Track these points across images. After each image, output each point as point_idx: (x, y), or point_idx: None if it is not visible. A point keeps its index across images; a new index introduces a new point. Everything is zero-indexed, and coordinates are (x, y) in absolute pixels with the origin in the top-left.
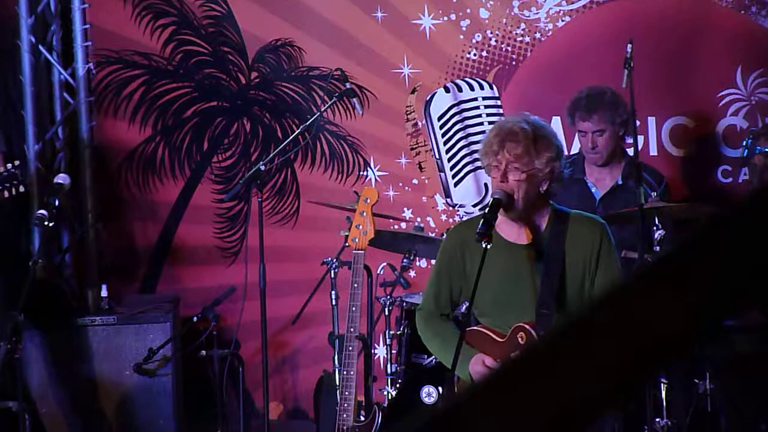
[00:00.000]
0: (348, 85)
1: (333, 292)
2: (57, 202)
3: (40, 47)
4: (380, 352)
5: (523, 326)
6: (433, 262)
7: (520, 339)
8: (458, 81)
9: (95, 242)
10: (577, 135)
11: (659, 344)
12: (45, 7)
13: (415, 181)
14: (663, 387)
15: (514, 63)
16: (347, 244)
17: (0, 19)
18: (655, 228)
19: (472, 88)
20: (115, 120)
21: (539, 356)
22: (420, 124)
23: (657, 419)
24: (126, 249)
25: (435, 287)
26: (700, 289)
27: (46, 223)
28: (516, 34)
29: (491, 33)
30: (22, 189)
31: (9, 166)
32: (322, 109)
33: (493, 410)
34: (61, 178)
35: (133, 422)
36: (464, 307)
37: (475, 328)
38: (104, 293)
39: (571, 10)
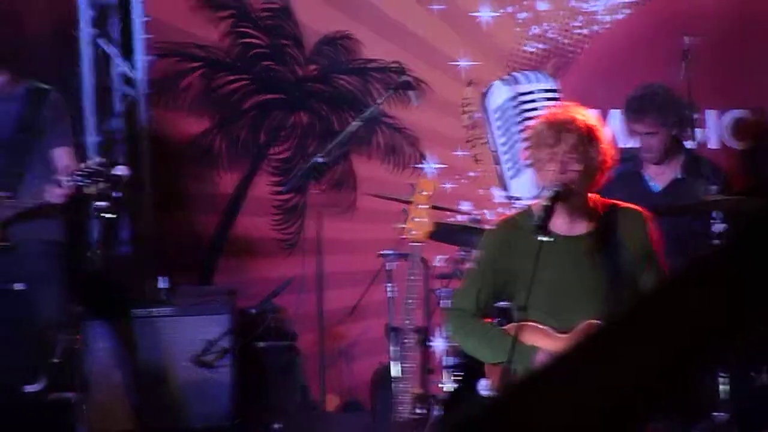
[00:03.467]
0: (405, 78)
1: (389, 285)
2: (116, 194)
3: (100, 40)
4: (437, 344)
5: (593, 324)
6: None
7: None
8: (516, 73)
9: (154, 234)
10: None
11: (709, 335)
12: None
13: (471, 174)
14: (721, 381)
15: (571, 55)
16: (404, 237)
17: (60, 11)
18: (714, 221)
19: (529, 81)
20: (174, 112)
21: (597, 348)
22: (477, 116)
23: (716, 413)
24: (184, 241)
25: (475, 286)
26: (748, 282)
27: (105, 214)
28: (574, 26)
29: (549, 25)
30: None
31: (95, 161)
32: (379, 102)
33: (549, 400)
34: (120, 170)
35: (190, 414)
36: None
37: (527, 323)
38: (163, 285)
39: (630, 2)
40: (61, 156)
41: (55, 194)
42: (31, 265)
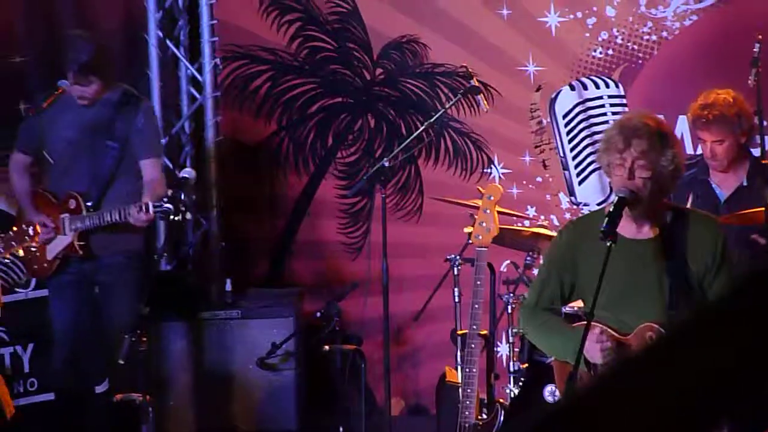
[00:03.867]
0: (472, 82)
1: (456, 289)
2: (183, 197)
3: (168, 42)
4: (503, 349)
5: (652, 326)
6: None
7: (649, 339)
8: (584, 79)
9: (220, 236)
10: None
11: None
12: (173, 2)
13: (538, 179)
14: None
15: (640, 61)
16: (470, 241)
17: (128, 13)
18: None
19: (597, 86)
20: (241, 115)
21: (664, 352)
22: (545, 122)
23: None
24: (250, 243)
25: (542, 282)
26: None
27: (171, 217)
28: (642, 32)
29: (617, 31)
30: (189, 216)
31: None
32: (447, 106)
33: (613, 403)
34: (187, 173)
35: (255, 416)
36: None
37: (592, 323)
38: (228, 287)
39: (699, 9)
40: (149, 167)
41: (139, 219)
42: (110, 276)
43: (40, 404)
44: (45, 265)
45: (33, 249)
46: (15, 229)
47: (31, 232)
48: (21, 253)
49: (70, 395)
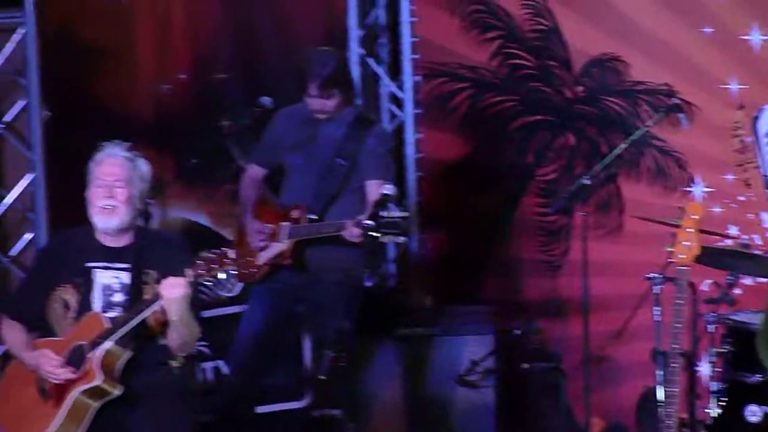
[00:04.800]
0: (674, 100)
1: (656, 308)
2: (384, 213)
3: (369, 59)
4: (704, 369)
5: None
6: (759, 280)
7: None
8: None
9: (420, 253)
10: None
11: None
12: (374, 19)
13: (740, 198)
14: None
15: None
16: (671, 260)
17: (330, 31)
18: None
19: None
20: (441, 132)
21: None
22: (747, 140)
23: None
24: (450, 260)
25: None
26: None
27: (371, 233)
28: None
29: None
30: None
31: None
32: (648, 124)
33: None
34: (388, 189)
35: None
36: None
37: None
38: (428, 304)
39: None
40: (374, 188)
41: (352, 234)
42: (323, 295)
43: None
44: (252, 269)
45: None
46: (218, 251)
47: (232, 255)
48: (222, 276)
49: (232, 412)
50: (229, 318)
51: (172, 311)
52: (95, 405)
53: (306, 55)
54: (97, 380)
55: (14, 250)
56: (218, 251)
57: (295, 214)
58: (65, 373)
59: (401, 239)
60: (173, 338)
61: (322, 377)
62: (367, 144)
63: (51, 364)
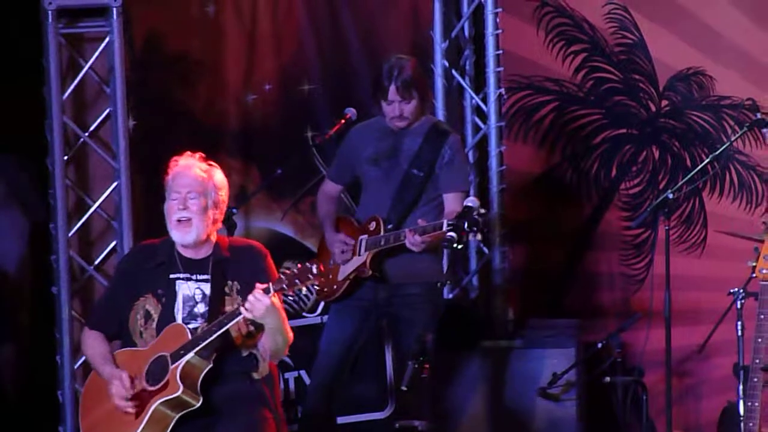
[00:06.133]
0: (759, 115)
1: (739, 323)
2: (466, 226)
3: (453, 72)
4: None
5: None
6: None
7: None
8: None
9: (502, 265)
10: None
11: None
12: (459, 32)
13: None
14: None
15: None
16: (754, 275)
17: (415, 43)
18: None
19: None
20: (524, 145)
21: None
22: None
23: None
24: (532, 272)
25: None
26: None
27: (455, 245)
28: None
29: None
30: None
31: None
32: (732, 139)
33: None
34: (471, 201)
35: None
36: None
37: None
38: (510, 316)
39: None
40: (451, 200)
41: (414, 242)
42: (406, 309)
43: None
44: (334, 287)
45: (321, 279)
46: (299, 266)
47: (314, 270)
48: (303, 290)
49: (314, 423)
50: (310, 328)
51: (265, 321)
52: (175, 416)
53: (383, 63)
54: (178, 392)
55: (98, 259)
56: (301, 266)
57: (372, 226)
58: (127, 406)
59: (479, 237)
60: (266, 347)
61: (405, 388)
62: (443, 156)
63: (119, 390)
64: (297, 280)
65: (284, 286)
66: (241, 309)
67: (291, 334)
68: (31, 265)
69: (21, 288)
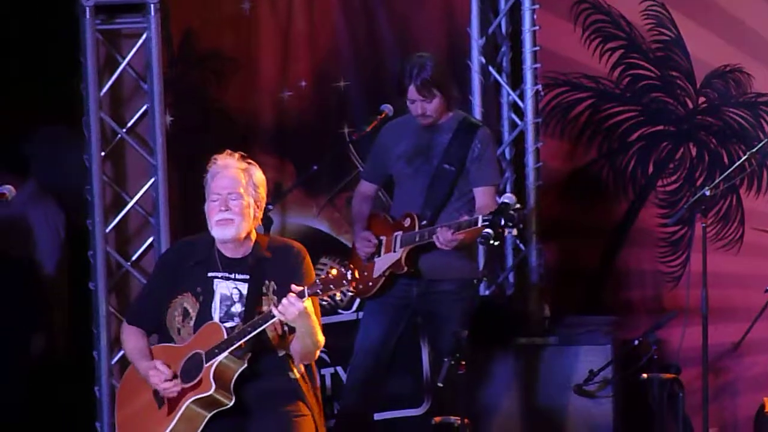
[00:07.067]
0: None
1: None
2: (503, 222)
3: (490, 68)
4: None
5: None
6: None
7: None
8: None
9: (538, 262)
10: None
11: None
12: (496, 28)
13: None
14: None
15: None
16: None
17: (451, 40)
18: None
19: None
20: (561, 141)
21: None
22: None
23: None
24: (568, 269)
25: None
26: None
27: (491, 242)
28: None
29: None
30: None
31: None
32: None
33: None
34: (507, 198)
35: None
36: None
37: None
38: (546, 313)
39: None
40: (481, 194)
41: (445, 241)
42: (440, 305)
43: None
44: (370, 283)
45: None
46: (336, 272)
47: (350, 276)
48: (338, 296)
49: (351, 420)
50: (347, 324)
51: (296, 325)
52: (208, 414)
53: (403, 61)
54: (210, 390)
55: (135, 255)
56: (337, 273)
57: (406, 222)
58: (171, 388)
59: (515, 232)
60: (296, 347)
61: (441, 385)
62: (473, 150)
63: (159, 377)
64: (332, 285)
65: (318, 290)
66: (274, 311)
67: (322, 339)
68: (69, 260)
69: (58, 284)
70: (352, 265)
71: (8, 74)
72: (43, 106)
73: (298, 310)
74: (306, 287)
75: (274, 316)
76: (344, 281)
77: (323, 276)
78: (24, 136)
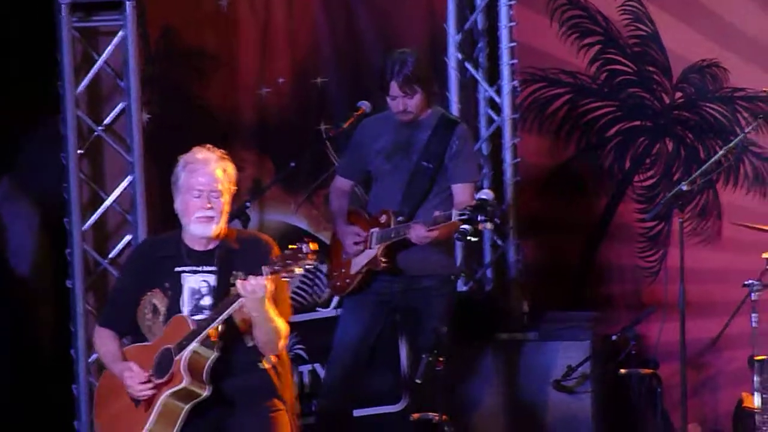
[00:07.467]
0: None
1: (754, 315)
2: (480, 218)
3: (467, 64)
4: None
5: None
6: None
7: None
8: None
9: (516, 258)
10: None
11: None
12: (472, 24)
13: None
14: None
15: None
16: None
17: (429, 36)
18: None
19: None
20: (539, 137)
21: None
22: None
23: None
24: (546, 265)
25: None
26: None
27: (468, 237)
28: None
29: None
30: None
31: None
32: (747, 130)
33: None
34: (485, 194)
35: None
36: None
37: None
38: (525, 309)
39: None
40: (460, 191)
41: (419, 237)
42: (420, 302)
43: None
44: (347, 280)
45: (336, 269)
46: (293, 247)
47: (304, 249)
48: (299, 271)
49: (330, 417)
50: (325, 321)
51: (252, 308)
52: (186, 407)
53: (385, 57)
54: (184, 382)
55: (113, 252)
56: (294, 247)
57: (382, 219)
58: (146, 390)
59: (490, 226)
60: (257, 336)
61: (419, 381)
62: (451, 147)
63: (133, 380)
64: (289, 261)
65: (277, 266)
66: (239, 287)
67: (284, 327)
68: (49, 259)
69: (35, 282)
70: (312, 244)
71: None
72: (28, 105)
73: (260, 286)
74: (264, 266)
75: (238, 298)
76: (300, 254)
77: (282, 253)
78: None
